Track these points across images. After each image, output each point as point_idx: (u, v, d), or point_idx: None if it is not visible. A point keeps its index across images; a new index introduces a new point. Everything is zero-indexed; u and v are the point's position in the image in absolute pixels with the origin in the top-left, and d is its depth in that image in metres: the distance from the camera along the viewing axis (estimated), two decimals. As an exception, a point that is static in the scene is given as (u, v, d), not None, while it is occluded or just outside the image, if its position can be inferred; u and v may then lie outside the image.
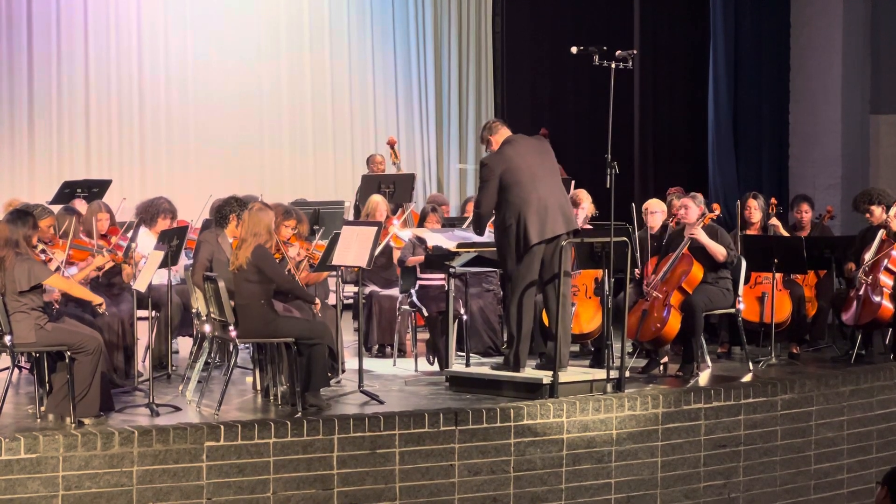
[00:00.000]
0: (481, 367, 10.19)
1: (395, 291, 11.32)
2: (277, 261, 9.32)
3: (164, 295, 9.85)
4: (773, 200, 11.83)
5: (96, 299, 8.72)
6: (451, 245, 9.98)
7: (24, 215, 8.53)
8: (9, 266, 8.28)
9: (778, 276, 11.05)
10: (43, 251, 8.63)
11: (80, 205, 11.00)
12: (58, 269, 8.91)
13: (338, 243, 9.63)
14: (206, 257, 9.74)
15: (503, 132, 9.58)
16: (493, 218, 9.54)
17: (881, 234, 11.04)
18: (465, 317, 10.77)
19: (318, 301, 9.74)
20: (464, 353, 10.49)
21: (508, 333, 9.58)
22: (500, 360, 9.99)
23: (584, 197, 11.42)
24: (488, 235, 10.49)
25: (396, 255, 11.39)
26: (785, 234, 11.71)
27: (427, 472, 8.49)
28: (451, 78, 16.81)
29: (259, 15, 15.75)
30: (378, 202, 11.71)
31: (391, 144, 14.51)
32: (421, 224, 11.76)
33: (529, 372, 9.40)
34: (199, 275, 9.44)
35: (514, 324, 9.36)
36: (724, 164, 17.00)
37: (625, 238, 9.64)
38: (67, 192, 11.47)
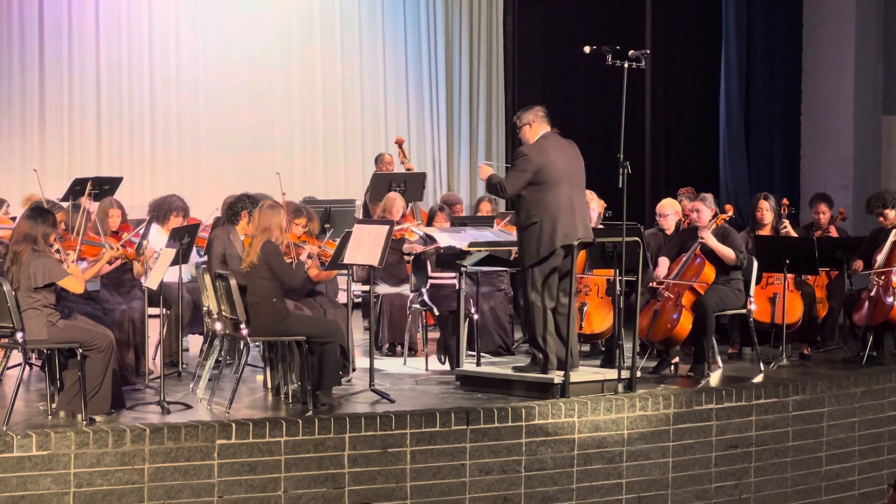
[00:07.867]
0: (492, 366, 10.17)
1: (405, 290, 11.29)
2: (288, 262, 9.30)
3: (175, 292, 9.85)
4: (784, 201, 11.79)
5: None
6: (462, 244, 9.96)
7: (44, 213, 8.54)
8: (24, 261, 8.28)
9: (790, 276, 11.02)
10: (58, 251, 8.62)
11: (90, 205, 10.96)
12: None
13: (349, 242, 9.61)
14: (220, 251, 9.72)
15: (542, 126, 9.41)
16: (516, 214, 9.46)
17: (893, 234, 11.02)
18: (475, 316, 10.75)
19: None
20: (475, 353, 10.47)
21: (530, 334, 9.52)
22: (520, 362, 9.92)
23: (592, 197, 11.35)
24: (500, 235, 10.49)
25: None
26: (795, 235, 11.67)
27: (438, 472, 8.49)
28: (462, 77, 16.78)
29: (270, 14, 15.73)
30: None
31: (399, 144, 14.50)
32: (429, 223, 11.72)
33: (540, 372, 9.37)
34: (215, 269, 9.42)
35: (539, 325, 9.27)
36: (735, 165, 16.96)
37: (636, 238, 9.62)
38: (78, 189, 11.45)
